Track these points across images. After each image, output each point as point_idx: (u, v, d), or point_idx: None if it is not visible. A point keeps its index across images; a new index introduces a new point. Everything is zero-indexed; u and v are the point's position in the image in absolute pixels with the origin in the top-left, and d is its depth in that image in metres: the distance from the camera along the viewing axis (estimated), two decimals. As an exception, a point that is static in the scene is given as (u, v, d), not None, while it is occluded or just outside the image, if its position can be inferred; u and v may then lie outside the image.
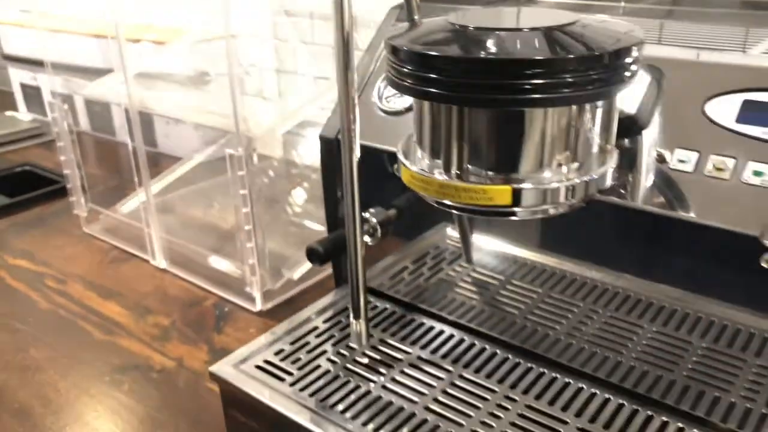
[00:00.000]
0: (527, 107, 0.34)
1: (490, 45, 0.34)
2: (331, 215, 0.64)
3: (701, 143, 0.44)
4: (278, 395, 0.51)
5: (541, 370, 0.53)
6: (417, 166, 0.39)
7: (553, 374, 0.53)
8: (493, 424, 0.48)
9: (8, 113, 1.64)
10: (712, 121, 0.44)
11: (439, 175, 0.37)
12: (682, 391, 0.49)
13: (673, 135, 0.45)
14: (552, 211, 0.38)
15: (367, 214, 0.59)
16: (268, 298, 0.84)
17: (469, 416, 0.49)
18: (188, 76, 1.17)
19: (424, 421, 0.48)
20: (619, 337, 0.54)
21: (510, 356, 0.55)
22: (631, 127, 0.46)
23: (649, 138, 0.46)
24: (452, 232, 0.70)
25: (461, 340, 0.57)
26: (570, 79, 0.34)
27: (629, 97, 0.46)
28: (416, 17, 0.58)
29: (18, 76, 1.66)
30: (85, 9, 1.30)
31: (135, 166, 0.93)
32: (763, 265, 0.41)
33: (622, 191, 0.46)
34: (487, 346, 0.56)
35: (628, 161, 0.47)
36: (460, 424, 0.48)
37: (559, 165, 0.37)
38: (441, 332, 0.59)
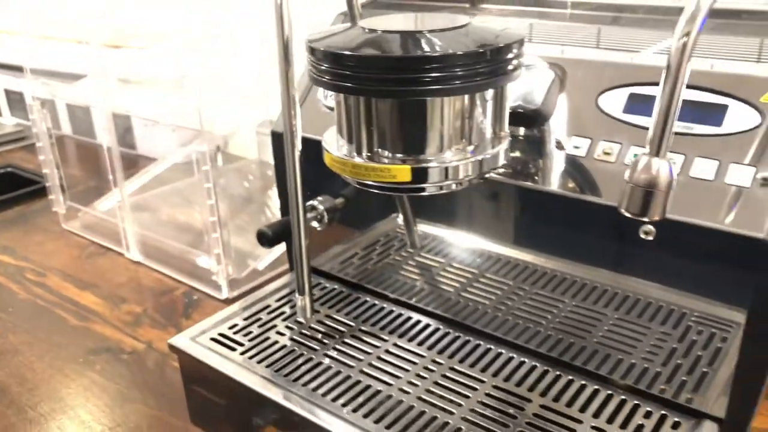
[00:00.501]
0: (423, 97, 0.40)
1: (392, 45, 0.40)
2: (284, 203, 0.69)
3: (593, 131, 0.50)
4: (229, 362, 0.57)
5: (467, 338, 0.59)
6: (339, 152, 0.45)
7: (477, 342, 0.59)
8: (419, 384, 0.54)
9: (-8, 118, 1.68)
10: (603, 112, 0.50)
11: (354, 158, 0.43)
12: (590, 355, 0.55)
13: (571, 124, 0.51)
14: (454, 187, 0.44)
15: (315, 202, 0.66)
16: (234, 286, 0.90)
17: (398, 377, 0.54)
18: (168, 79, 1.22)
19: (358, 382, 0.54)
20: (539, 310, 0.60)
21: (441, 327, 0.61)
22: (536, 118, 0.52)
23: (552, 127, 0.52)
24: (401, 221, 0.76)
25: (398, 315, 0.63)
26: (460, 73, 0.40)
27: (537, 92, 0.53)
28: (359, 23, 0.64)
29: (2, 82, 1.71)
30: (76, 13, 1.35)
31: (110, 166, 0.99)
32: (641, 236, 0.47)
33: (535, 175, 0.52)
34: (421, 319, 0.62)
35: (538, 148, 0.53)
36: (389, 384, 0.54)
37: (457, 147, 0.43)
38: (382, 308, 0.64)
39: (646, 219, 0.38)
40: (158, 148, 1.41)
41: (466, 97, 0.42)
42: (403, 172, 0.41)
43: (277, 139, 0.66)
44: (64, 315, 0.87)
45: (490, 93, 0.43)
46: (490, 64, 0.40)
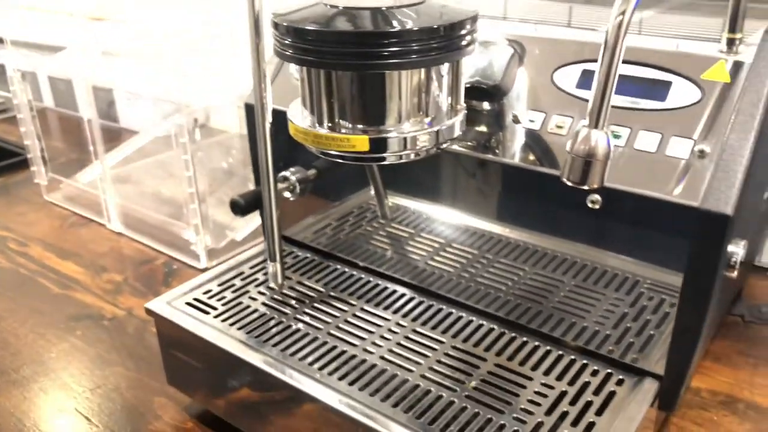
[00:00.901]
0: (381, 70, 0.43)
1: (353, 21, 0.42)
2: (257, 174, 0.72)
3: (548, 105, 0.53)
4: (203, 325, 0.60)
5: (431, 303, 0.62)
6: (303, 122, 0.47)
7: (440, 306, 0.62)
8: (382, 344, 0.57)
9: (-27, 90, 1.68)
10: (557, 87, 0.53)
11: (316, 128, 0.46)
12: (545, 319, 0.59)
13: (527, 99, 0.54)
14: (413, 156, 0.47)
15: (287, 173, 0.68)
16: (213, 256, 0.92)
17: (363, 339, 0.58)
18: (149, 51, 1.23)
19: (326, 343, 0.57)
20: (500, 277, 0.63)
21: (407, 293, 0.64)
22: (496, 93, 0.55)
23: (510, 102, 0.54)
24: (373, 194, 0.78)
25: (367, 282, 0.66)
26: (416, 47, 0.42)
27: (496, 68, 0.55)
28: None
29: (-18, 54, 1.70)
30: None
31: (90, 137, 1.00)
32: (589, 205, 0.50)
33: (495, 148, 0.55)
34: (388, 285, 0.65)
35: (497, 121, 0.56)
36: (354, 345, 0.57)
37: (415, 118, 0.46)
38: (351, 275, 0.67)
39: (586, 187, 0.40)
40: (141, 121, 1.42)
41: (423, 70, 0.44)
42: (361, 142, 0.44)
43: (250, 111, 0.68)
44: (46, 283, 0.89)
45: (445, 67, 0.45)
46: (444, 39, 0.42)
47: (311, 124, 0.46)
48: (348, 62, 0.42)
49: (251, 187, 1.20)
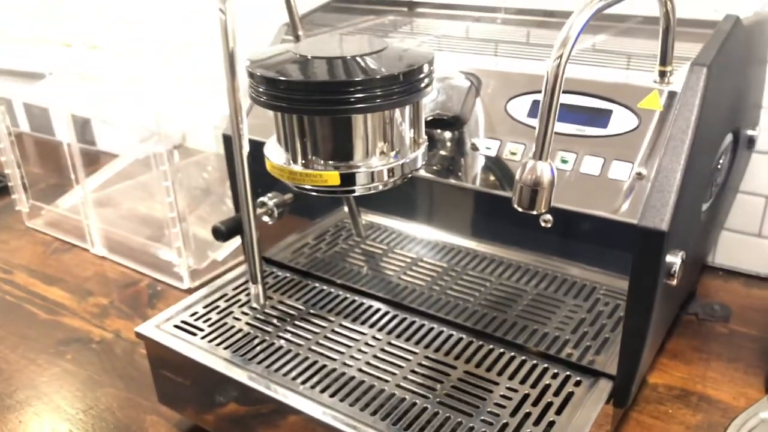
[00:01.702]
0: (348, 114, 0.47)
1: (320, 70, 0.47)
2: (236, 200, 0.76)
3: (502, 133, 0.58)
4: (192, 346, 0.64)
5: (404, 316, 0.67)
6: (279, 159, 0.51)
7: (413, 319, 0.66)
8: (360, 357, 0.61)
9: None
10: (510, 117, 0.58)
11: (291, 165, 0.50)
12: (509, 327, 0.63)
13: (484, 128, 0.59)
14: (381, 187, 0.51)
15: (265, 198, 0.72)
16: (196, 277, 0.96)
17: (341, 352, 0.62)
18: (122, 77, 1.26)
19: (307, 358, 0.62)
20: (468, 289, 0.68)
21: (382, 307, 0.68)
22: (455, 123, 0.60)
23: (470, 130, 0.59)
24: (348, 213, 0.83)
25: (344, 298, 0.70)
26: (379, 93, 0.47)
27: (455, 100, 0.60)
28: (300, 33, 0.70)
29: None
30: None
31: (71, 163, 1.03)
32: (542, 224, 0.55)
33: (457, 172, 0.60)
34: (364, 301, 0.70)
35: (458, 149, 0.61)
36: (334, 359, 0.61)
37: (382, 153, 0.50)
38: (329, 293, 0.72)
39: (534, 212, 0.45)
40: (117, 143, 1.45)
41: (386, 111, 0.49)
42: (333, 177, 0.48)
43: (228, 141, 0.72)
44: (33, 309, 0.92)
45: (407, 107, 0.50)
46: (404, 84, 0.47)
47: (286, 161, 0.51)
48: (317, 108, 0.46)
49: (229, 204, 1.24)
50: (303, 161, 0.50)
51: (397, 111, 0.49)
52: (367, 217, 0.72)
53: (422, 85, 0.49)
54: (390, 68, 0.47)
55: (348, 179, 0.49)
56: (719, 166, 0.64)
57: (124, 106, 1.14)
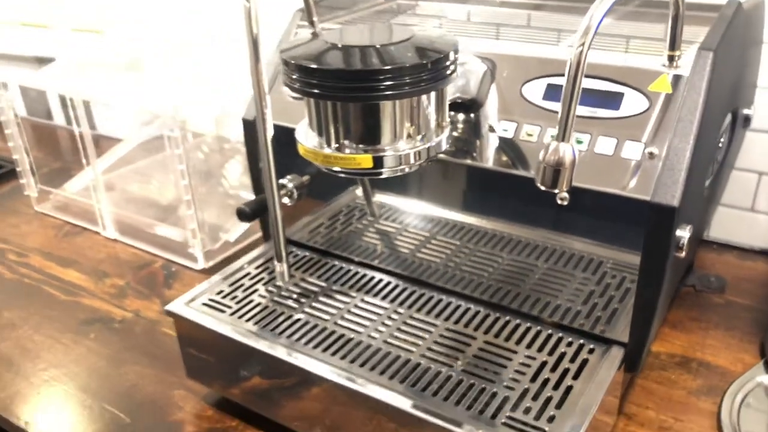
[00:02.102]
0: (379, 101, 0.50)
1: (352, 58, 0.49)
2: (255, 183, 0.78)
3: (518, 116, 0.61)
4: (221, 323, 0.66)
5: (422, 291, 0.70)
6: (310, 142, 0.54)
7: (431, 294, 0.70)
8: (384, 330, 0.65)
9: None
10: (526, 100, 0.61)
11: (324, 149, 0.53)
12: (524, 299, 0.67)
13: (500, 110, 0.62)
14: (407, 170, 0.54)
15: (284, 181, 0.75)
16: (209, 257, 0.99)
17: (366, 326, 0.65)
18: (125, 62, 1.27)
19: (333, 332, 0.65)
20: (482, 265, 0.71)
21: (400, 283, 0.72)
22: (472, 106, 0.63)
23: (485, 113, 0.62)
24: (361, 194, 0.85)
25: (363, 275, 0.74)
26: (408, 80, 0.49)
27: (472, 84, 0.63)
28: (315, 19, 0.73)
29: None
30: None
31: (82, 149, 1.05)
32: (558, 202, 0.58)
33: (474, 153, 0.63)
34: (383, 277, 0.73)
35: (474, 131, 0.64)
36: (359, 332, 0.64)
37: (409, 136, 0.53)
38: (348, 270, 0.75)
39: (556, 191, 0.48)
40: (118, 128, 1.46)
41: (414, 97, 0.51)
42: (366, 160, 0.51)
43: (248, 126, 0.75)
44: (52, 291, 0.94)
45: (433, 93, 0.53)
46: (431, 71, 0.50)
47: (318, 145, 0.53)
48: (350, 95, 0.49)
49: (228, 185, 1.26)
50: (336, 145, 0.52)
51: (424, 97, 0.52)
52: (381, 197, 0.75)
53: (448, 72, 0.51)
54: (418, 57, 0.50)
55: (379, 162, 0.52)
56: (720, 145, 0.68)
57: (126, 91, 1.16)
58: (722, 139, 0.68)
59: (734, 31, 0.62)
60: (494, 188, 0.64)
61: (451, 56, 0.51)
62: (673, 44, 0.56)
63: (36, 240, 1.09)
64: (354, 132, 0.52)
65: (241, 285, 0.73)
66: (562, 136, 0.47)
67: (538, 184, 0.49)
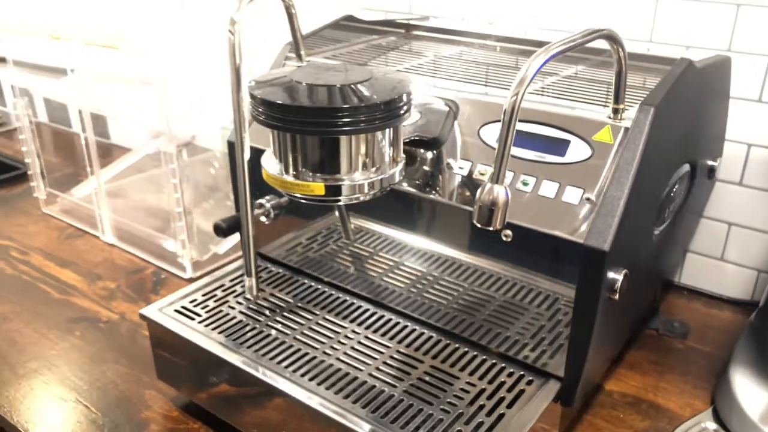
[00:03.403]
0: (335, 135, 0.54)
1: (313, 96, 0.54)
2: (237, 200, 0.83)
3: (474, 156, 0.65)
4: (189, 329, 0.71)
5: (382, 314, 0.74)
6: (273, 169, 0.59)
7: (390, 317, 0.73)
8: (338, 348, 0.68)
9: (-28, 103, 1.78)
10: (483, 141, 0.65)
11: (283, 175, 0.57)
12: (476, 329, 0.70)
13: (459, 150, 0.66)
14: (362, 198, 0.58)
15: (263, 201, 0.79)
16: (198, 267, 1.03)
17: (323, 343, 0.69)
18: (138, 77, 1.34)
19: (291, 346, 0.69)
20: (442, 293, 0.74)
21: (363, 304, 0.76)
22: (434, 144, 0.67)
23: (446, 151, 0.66)
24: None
25: (330, 295, 0.78)
26: (363, 118, 0.54)
27: (435, 124, 0.67)
28: (302, 52, 0.78)
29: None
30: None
31: (87, 156, 1.11)
32: (503, 238, 0.62)
33: (434, 188, 0.67)
34: (347, 298, 0.77)
35: (435, 167, 0.68)
36: (316, 348, 0.68)
37: (364, 168, 0.57)
38: (317, 289, 0.79)
39: (490, 228, 0.52)
40: (130, 138, 1.53)
41: (369, 134, 0.56)
42: (318, 188, 0.56)
43: (231, 148, 0.80)
44: (47, 289, 1.00)
45: (387, 130, 0.57)
46: (385, 111, 0.54)
47: (279, 172, 0.58)
48: (308, 129, 0.54)
49: (233, 200, 1.31)
50: (294, 172, 0.57)
51: (378, 133, 0.56)
52: (357, 222, 0.79)
53: (401, 112, 0.56)
54: (374, 97, 0.54)
55: (332, 190, 0.56)
56: (672, 194, 0.71)
57: (138, 105, 1.22)
58: (675, 188, 0.71)
59: (685, 87, 0.65)
60: (454, 222, 0.67)
61: (405, 98, 0.56)
62: (617, 98, 0.60)
63: (39, 240, 1.15)
64: (311, 162, 0.56)
65: (214, 296, 0.77)
66: (497, 178, 0.51)
67: (475, 221, 0.52)
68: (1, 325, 0.91)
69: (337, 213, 0.83)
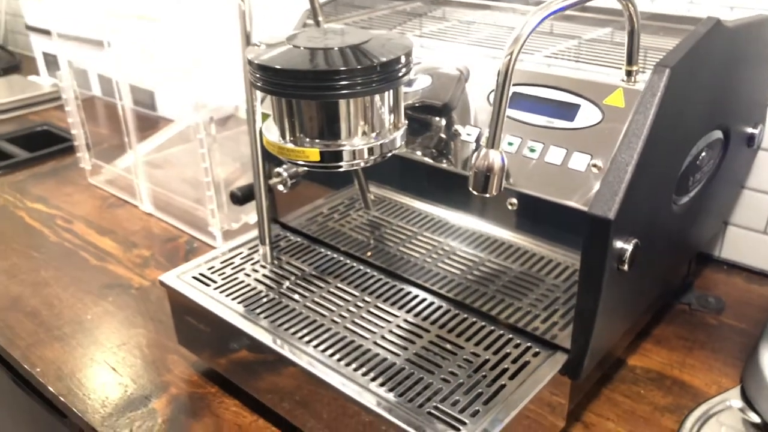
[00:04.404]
0: (330, 99, 0.54)
1: (311, 59, 0.53)
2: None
3: (482, 122, 0.63)
4: (204, 296, 0.72)
5: (394, 283, 0.73)
6: (272, 137, 0.59)
7: (402, 286, 0.73)
8: (347, 316, 0.69)
9: (31, 78, 1.86)
10: (491, 106, 0.63)
11: (281, 142, 0.57)
12: (487, 299, 0.69)
13: (468, 116, 0.64)
14: (363, 164, 0.58)
15: (280, 169, 0.80)
16: (228, 237, 1.05)
17: (332, 311, 0.69)
18: (182, 50, 1.36)
19: (300, 313, 0.69)
20: (457, 264, 0.73)
21: (375, 274, 0.75)
22: (444, 110, 0.65)
23: (456, 117, 0.65)
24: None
25: (344, 264, 0.78)
26: (359, 80, 0.53)
27: (444, 89, 0.65)
28: (320, 19, 0.77)
29: (40, 45, 1.87)
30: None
31: (125, 127, 1.14)
32: (508, 206, 0.60)
33: (445, 155, 0.66)
34: (361, 267, 0.77)
35: (446, 133, 0.66)
36: (324, 315, 0.69)
37: (363, 133, 0.57)
38: (332, 258, 0.79)
39: (486, 194, 0.51)
40: (175, 109, 1.56)
41: (367, 97, 0.55)
42: (313, 154, 0.55)
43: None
44: (86, 256, 1.04)
45: (387, 94, 0.56)
46: (382, 73, 0.53)
47: (278, 138, 0.58)
48: (304, 93, 0.53)
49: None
50: (291, 138, 0.57)
51: (377, 97, 0.55)
52: (376, 191, 0.78)
53: (399, 74, 0.54)
54: (370, 59, 0.53)
55: (330, 156, 0.56)
56: (698, 162, 0.67)
57: (181, 77, 1.24)
58: (702, 156, 0.68)
59: (711, 48, 0.61)
60: (465, 191, 0.66)
61: (403, 59, 0.54)
62: (630, 59, 0.56)
63: (83, 209, 1.19)
64: (308, 127, 0.56)
65: (231, 263, 0.78)
66: (492, 143, 0.49)
67: (470, 188, 0.51)
68: (42, 290, 0.95)
69: (355, 182, 0.82)
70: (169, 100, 1.58)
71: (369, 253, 0.79)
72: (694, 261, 0.89)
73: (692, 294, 0.88)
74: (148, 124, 1.43)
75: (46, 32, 1.80)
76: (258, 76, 0.55)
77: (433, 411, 0.56)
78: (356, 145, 0.57)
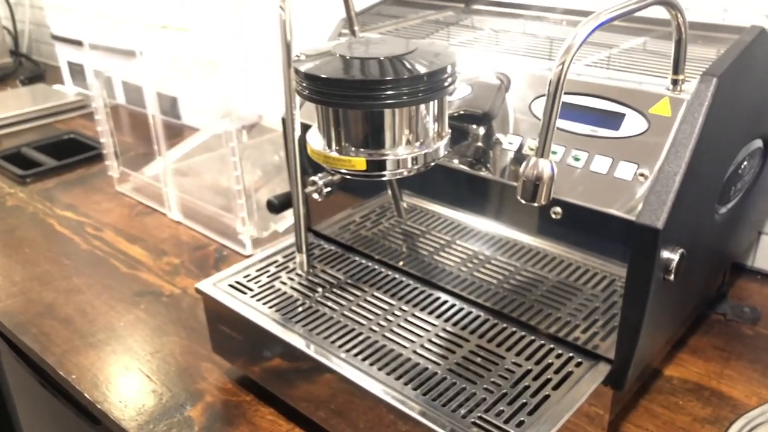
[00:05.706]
0: (377, 109, 0.54)
1: (357, 68, 0.54)
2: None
3: (524, 131, 0.63)
4: (241, 303, 0.73)
5: (430, 292, 0.73)
6: (317, 144, 0.59)
7: (438, 295, 0.73)
8: (385, 324, 0.68)
9: (56, 87, 1.88)
10: (534, 116, 0.63)
11: (326, 150, 0.57)
12: (526, 309, 0.69)
13: (509, 125, 0.64)
14: (406, 173, 0.58)
15: (315, 178, 0.80)
16: (258, 245, 1.06)
17: (370, 319, 0.69)
18: (206, 60, 1.37)
19: (338, 322, 0.69)
20: (494, 273, 0.73)
21: (411, 282, 0.75)
22: (484, 119, 0.65)
23: (496, 126, 0.65)
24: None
25: (379, 272, 0.78)
26: (405, 90, 0.53)
27: (486, 98, 0.66)
28: (356, 28, 0.78)
29: (65, 54, 1.89)
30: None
31: (155, 136, 1.15)
32: (552, 216, 0.60)
33: (485, 164, 0.66)
34: (396, 276, 0.77)
35: (487, 142, 0.66)
36: (362, 324, 0.69)
37: (408, 143, 0.57)
38: (367, 267, 0.79)
39: (535, 204, 0.50)
40: (200, 118, 1.57)
41: (412, 107, 0.55)
42: (360, 163, 0.55)
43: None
44: (116, 263, 1.05)
45: (432, 103, 0.56)
46: (428, 83, 0.53)
47: (323, 147, 0.58)
48: (350, 102, 0.53)
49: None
50: (337, 147, 0.57)
51: (422, 106, 0.56)
52: (409, 200, 0.78)
53: (445, 84, 0.55)
54: (417, 69, 0.53)
55: (375, 165, 0.56)
56: (740, 171, 0.67)
57: (207, 86, 1.25)
58: (744, 165, 0.67)
59: (755, 57, 0.61)
60: (504, 199, 0.66)
61: (449, 69, 0.54)
62: (677, 68, 0.56)
63: (112, 217, 1.20)
64: (353, 137, 0.56)
65: (267, 271, 0.79)
66: (542, 152, 0.49)
67: (519, 197, 0.51)
68: (75, 297, 0.96)
69: (389, 191, 0.82)
70: (192, 108, 1.59)
71: (401, 263, 0.79)
72: (728, 271, 0.88)
73: (727, 304, 0.87)
74: (173, 132, 1.44)
75: (72, 42, 1.82)
76: (305, 85, 0.55)
77: (477, 421, 0.56)
78: (400, 154, 0.57)
